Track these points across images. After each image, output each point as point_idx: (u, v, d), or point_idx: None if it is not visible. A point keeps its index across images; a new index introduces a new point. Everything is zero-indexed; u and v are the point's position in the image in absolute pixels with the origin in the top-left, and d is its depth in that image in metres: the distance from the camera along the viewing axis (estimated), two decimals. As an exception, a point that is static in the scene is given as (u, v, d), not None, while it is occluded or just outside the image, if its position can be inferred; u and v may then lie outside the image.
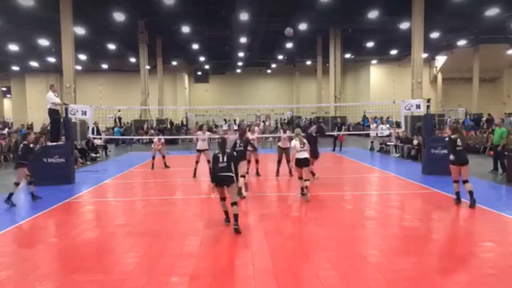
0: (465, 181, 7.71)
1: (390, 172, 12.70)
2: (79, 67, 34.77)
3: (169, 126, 31.30)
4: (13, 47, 29.99)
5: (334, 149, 19.44)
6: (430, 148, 11.79)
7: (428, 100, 12.27)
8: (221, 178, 6.39)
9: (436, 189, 9.52)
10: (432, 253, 5.36)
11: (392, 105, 14.81)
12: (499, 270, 4.78)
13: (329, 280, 4.52)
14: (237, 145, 9.09)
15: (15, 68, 39.98)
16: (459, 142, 7.78)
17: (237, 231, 6.21)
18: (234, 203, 6.40)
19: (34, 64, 37.80)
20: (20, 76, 42.21)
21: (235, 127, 25.73)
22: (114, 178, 12.19)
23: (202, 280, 4.58)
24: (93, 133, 15.90)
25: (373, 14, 23.35)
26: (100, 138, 19.31)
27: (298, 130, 9.06)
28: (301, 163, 8.45)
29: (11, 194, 8.43)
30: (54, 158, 11.14)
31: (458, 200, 7.92)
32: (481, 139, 17.84)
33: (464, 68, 38.31)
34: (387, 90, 37.31)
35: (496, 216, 7.17)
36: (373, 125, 21.65)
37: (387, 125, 20.53)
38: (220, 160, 6.42)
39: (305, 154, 8.48)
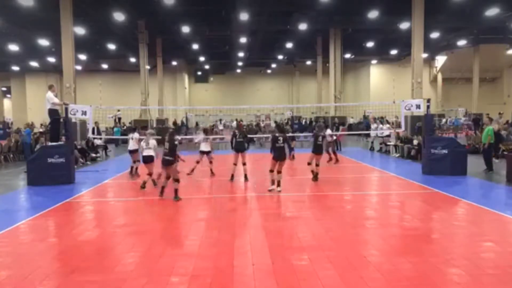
0: (278, 172, 9.52)
1: (390, 172, 12.70)
2: (79, 67, 34.75)
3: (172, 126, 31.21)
4: (13, 47, 30.00)
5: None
6: (430, 148, 11.79)
7: (428, 100, 12.26)
8: (164, 160, 8.83)
9: (436, 189, 9.52)
10: (432, 253, 5.35)
11: (392, 105, 14.83)
12: (499, 270, 4.77)
13: (329, 280, 4.51)
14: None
15: (15, 68, 39.99)
16: (280, 139, 9.43)
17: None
18: (175, 180, 8.81)
19: (34, 64, 37.79)
20: (20, 76, 42.23)
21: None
22: (114, 178, 12.18)
23: (202, 280, 4.57)
24: (93, 133, 15.90)
25: (373, 14, 23.33)
26: (100, 138, 19.30)
27: (150, 131, 11.10)
28: (145, 159, 10.30)
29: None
30: (54, 158, 11.11)
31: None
32: (481, 139, 17.78)
33: (464, 68, 38.32)
34: (387, 90, 37.32)
35: (496, 216, 7.18)
36: (373, 125, 21.63)
37: (387, 125, 20.53)
38: (165, 147, 8.94)
39: (151, 152, 10.20)
